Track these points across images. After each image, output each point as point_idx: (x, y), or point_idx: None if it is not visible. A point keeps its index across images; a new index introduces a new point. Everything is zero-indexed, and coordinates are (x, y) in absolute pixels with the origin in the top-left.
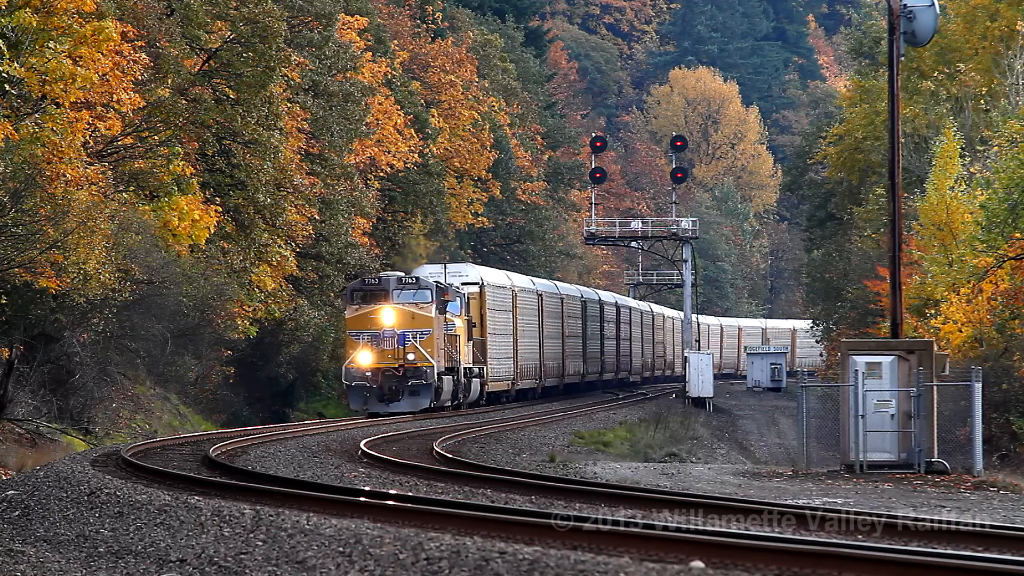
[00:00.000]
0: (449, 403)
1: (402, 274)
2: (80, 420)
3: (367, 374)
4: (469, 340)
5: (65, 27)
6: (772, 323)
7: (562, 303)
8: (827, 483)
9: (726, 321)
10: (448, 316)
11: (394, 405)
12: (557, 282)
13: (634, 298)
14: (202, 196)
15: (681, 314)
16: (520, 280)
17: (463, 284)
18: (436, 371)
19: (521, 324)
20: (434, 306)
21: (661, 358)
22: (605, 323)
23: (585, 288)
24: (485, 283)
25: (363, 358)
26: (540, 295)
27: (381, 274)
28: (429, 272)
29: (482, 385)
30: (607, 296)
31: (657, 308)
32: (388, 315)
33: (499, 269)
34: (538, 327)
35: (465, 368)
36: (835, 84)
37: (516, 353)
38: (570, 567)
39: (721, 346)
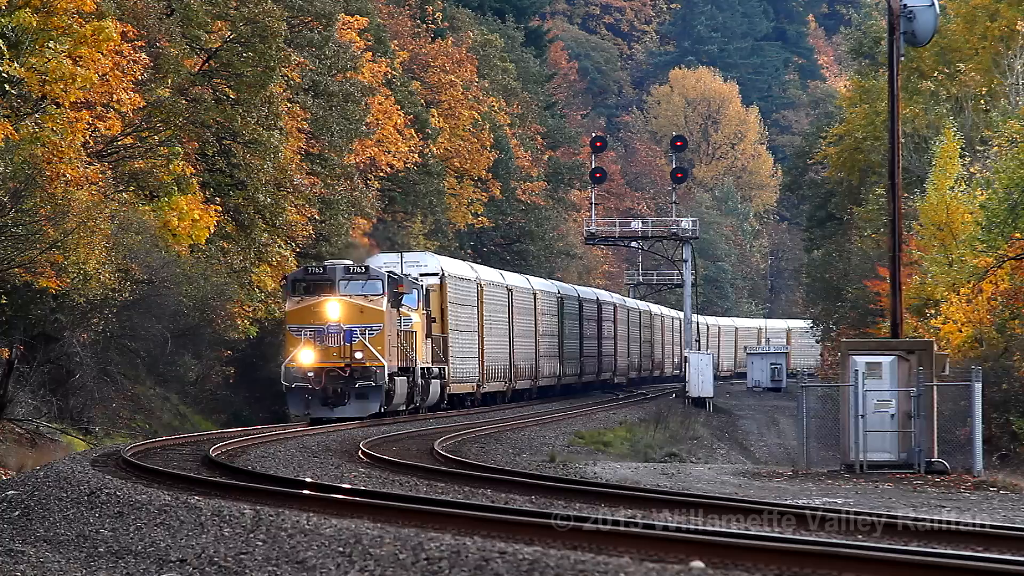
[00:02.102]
0: (403, 407)
1: (350, 262)
2: (80, 420)
3: (309, 374)
4: (428, 337)
5: (65, 27)
6: (742, 322)
7: (535, 298)
8: (827, 483)
9: (708, 320)
10: (403, 310)
11: (339, 409)
12: (529, 276)
13: (634, 298)
14: (202, 196)
15: (671, 311)
16: (487, 272)
17: (421, 275)
18: (387, 371)
19: (488, 320)
20: (385, 299)
21: (649, 358)
22: (585, 321)
23: (562, 283)
24: (446, 274)
25: (305, 357)
26: (510, 289)
27: (326, 262)
28: (384, 262)
29: (443, 387)
30: (586, 292)
31: (644, 305)
32: (333, 308)
33: (463, 261)
34: (508, 324)
35: (423, 368)
36: (835, 84)
37: (482, 352)
38: (570, 567)
39: (676, 343)
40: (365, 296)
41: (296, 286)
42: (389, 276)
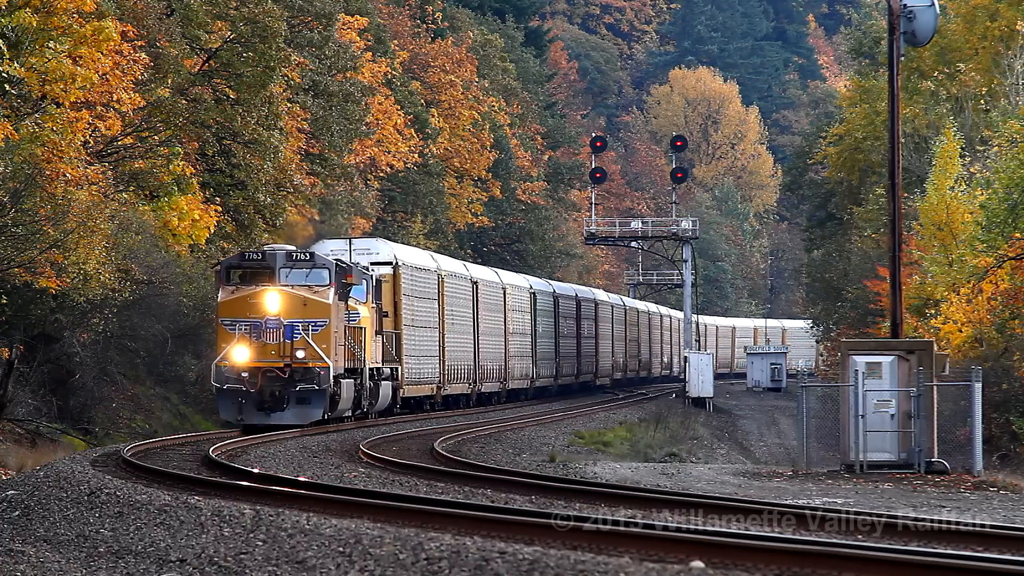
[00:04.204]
0: (349, 412)
1: (292, 248)
2: (80, 420)
3: (243, 375)
4: (378, 334)
5: (65, 27)
6: (720, 320)
7: (504, 293)
8: (827, 483)
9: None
10: (351, 303)
11: (277, 416)
12: (498, 270)
13: (634, 297)
14: (202, 196)
15: (661, 308)
16: (449, 263)
17: (373, 263)
18: (332, 373)
19: (450, 316)
20: (332, 290)
21: (636, 358)
22: (561, 318)
23: (535, 279)
24: (401, 263)
25: (239, 354)
26: (475, 282)
27: (265, 247)
28: (331, 248)
29: (395, 389)
30: (563, 288)
31: (631, 302)
32: (273, 300)
33: (422, 249)
34: (473, 321)
35: (372, 368)
36: (835, 84)
37: (443, 351)
38: (570, 567)
39: (666, 342)
40: (309, 287)
41: (231, 274)
42: (337, 264)
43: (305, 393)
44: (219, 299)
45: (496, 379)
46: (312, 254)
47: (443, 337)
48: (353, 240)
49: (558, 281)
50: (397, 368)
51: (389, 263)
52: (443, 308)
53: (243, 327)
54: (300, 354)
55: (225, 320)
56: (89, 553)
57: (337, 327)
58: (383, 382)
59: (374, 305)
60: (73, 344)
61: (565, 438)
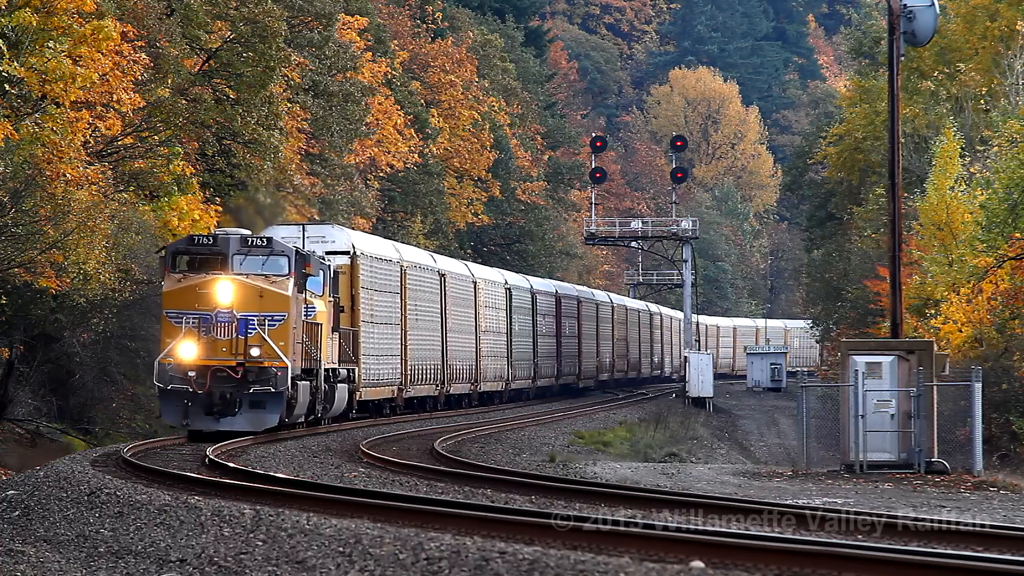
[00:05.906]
0: (303, 418)
1: (248, 233)
2: (80, 420)
3: (190, 374)
4: (335, 330)
5: (65, 27)
6: (709, 319)
7: (476, 288)
8: (827, 483)
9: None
10: (308, 296)
11: (228, 421)
12: (469, 263)
13: (634, 298)
14: (202, 196)
15: (651, 306)
16: (413, 254)
17: (328, 253)
18: (290, 374)
19: (413, 311)
20: (292, 281)
21: (623, 358)
22: (540, 316)
23: (511, 273)
24: (359, 252)
25: (185, 351)
26: (443, 275)
27: (217, 231)
28: (283, 236)
29: (351, 392)
30: (542, 284)
31: (619, 299)
32: (225, 290)
33: (384, 238)
34: (440, 317)
35: (328, 369)
36: (835, 84)
37: (405, 350)
38: (570, 567)
39: (656, 341)
40: (266, 276)
41: (178, 260)
42: (297, 253)
43: (260, 396)
44: (164, 288)
45: (466, 380)
46: (270, 239)
47: (406, 335)
48: (307, 226)
49: (546, 280)
50: (353, 370)
51: (346, 252)
52: (406, 303)
53: (191, 320)
54: (255, 352)
55: (170, 312)
56: (89, 553)
57: (296, 323)
58: (339, 384)
59: (331, 299)
60: (73, 344)
61: (565, 438)
